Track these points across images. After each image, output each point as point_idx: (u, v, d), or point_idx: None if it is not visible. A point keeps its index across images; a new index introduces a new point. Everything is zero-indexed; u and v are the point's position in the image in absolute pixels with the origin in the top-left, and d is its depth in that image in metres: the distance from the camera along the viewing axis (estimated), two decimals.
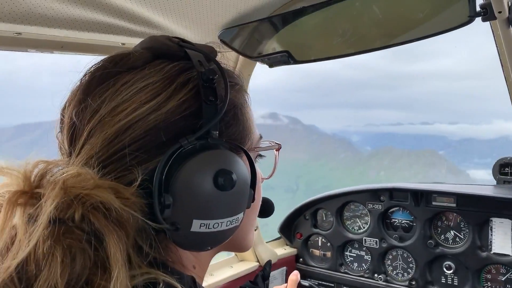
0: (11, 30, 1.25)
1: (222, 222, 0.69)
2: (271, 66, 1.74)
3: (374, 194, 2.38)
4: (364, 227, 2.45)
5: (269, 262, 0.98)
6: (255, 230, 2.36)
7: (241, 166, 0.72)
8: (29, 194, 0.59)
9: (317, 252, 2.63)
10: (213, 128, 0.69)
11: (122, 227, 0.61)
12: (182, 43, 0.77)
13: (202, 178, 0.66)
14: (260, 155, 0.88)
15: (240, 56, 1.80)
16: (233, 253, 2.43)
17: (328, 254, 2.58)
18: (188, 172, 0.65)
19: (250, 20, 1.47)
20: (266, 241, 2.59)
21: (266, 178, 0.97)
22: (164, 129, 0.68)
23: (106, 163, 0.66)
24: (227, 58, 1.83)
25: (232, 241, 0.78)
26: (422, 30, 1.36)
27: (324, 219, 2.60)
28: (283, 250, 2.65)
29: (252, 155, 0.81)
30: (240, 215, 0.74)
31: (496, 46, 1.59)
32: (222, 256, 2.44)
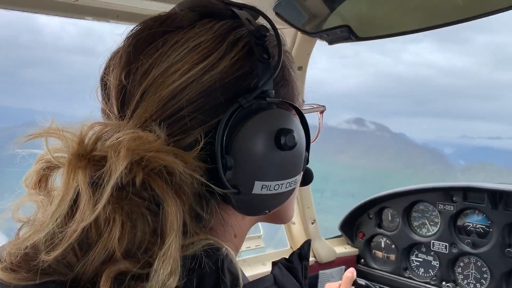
0: None
1: (282, 184, 0.68)
2: (330, 43, 1.63)
3: (446, 193, 2.16)
4: (433, 230, 2.24)
5: (308, 241, 0.88)
6: (312, 223, 2.26)
7: (299, 126, 0.70)
8: (87, 157, 0.57)
9: (380, 254, 2.45)
10: (268, 87, 0.67)
11: (183, 193, 0.59)
12: (226, 1, 0.74)
13: (263, 138, 0.64)
14: None
15: (298, 33, 1.72)
16: (288, 245, 2.34)
17: (392, 257, 2.39)
18: (249, 132, 0.64)
19: None
20: (325, 238, 2.47)
21: (312, 142, 0.93)
22: (220, 89, 0.65)
23: (162, 126, 0.63)
24: (285, 35, 1.77)
25: (277, 211, 0.76)
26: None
27: (390, 219, 2.42)
28: (343, 249, 2.50)
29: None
30: (298, 177, 0.72)
31: None
32: (276, 247, 2.36)
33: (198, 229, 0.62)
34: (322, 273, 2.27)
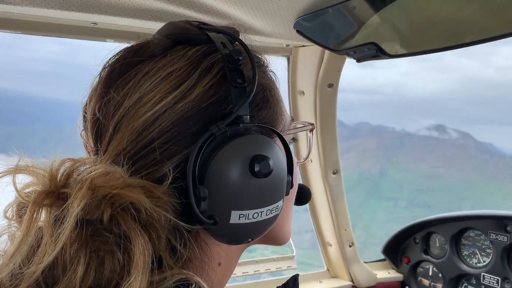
0: (87, 20, 1.33)
1: (262, 212, 0.66)
2: (358, 60, 1.54)
3: (499, 222, 1.95)
4: (484, 261, 2.03)
5: (294, 276, 0.83)
6: (350, 246, 2.15)
7: (277, 151, 0.67)
8: (55, 194, 0.57)
9: (426, 282, 2.27)
10: (243, 112, 0.65)
11: (152, 228, 0.58)
12: (202, 26, 0.72)
13: (237, 166, 0.62)
14: (294, 139, 0.82)
15: (326, 50, 1.64)
16: (325, 267, 2.25)
17: (439, 286, 2.21)
18: (222, 161, 0.62)
19: (326, 5, 1.31)
20: (366, 261, 2.34)
21: (302, 162, 0.92)
22: (193, 117, 0.64)
23: (135, 159, 0.64)
24: (312, 52, 1.70)
25: (269, 233, 0.74)
26: None
27: (437, 245, 2.23)
28: (387, 274, 2.35)
29: (285, 138, 0.74)
30: (280, 203, 0.69)
31: None
32: (312, 269, 2.28)
33: (173, 263, 0.61)
34: None
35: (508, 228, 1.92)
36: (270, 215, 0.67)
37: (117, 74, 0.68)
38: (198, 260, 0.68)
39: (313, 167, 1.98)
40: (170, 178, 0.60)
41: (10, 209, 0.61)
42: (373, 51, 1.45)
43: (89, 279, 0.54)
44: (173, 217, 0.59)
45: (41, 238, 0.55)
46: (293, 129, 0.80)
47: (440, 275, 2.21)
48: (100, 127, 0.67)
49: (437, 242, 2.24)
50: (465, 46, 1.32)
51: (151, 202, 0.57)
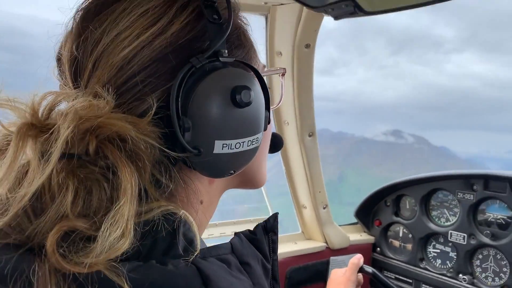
0: None
1: (243, 142, 0.68)
2: (336, 18, 1.55)
3: (466, 182, 2.04)
4: (451, 220, 2.13)
5: (275, 214, 0.85)
6: (324, 208, 2.20)
7: (256, 84, 0.70)
8: (39, 127, 0.57)
9: (396, 244, 2.36)
10: (221, 47, 0.67)
11: (138, 159, 0.58)
12: None
13: (219, 96, 0.65)
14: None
15: (304, 9, 1.65)
16: (300, 230, 2.30)
17: (409, 246, 2.30)
18: (204, 92, 0.64)
19: None
20: (340, 225, 2.40)
21: (275, 107, 0.94)
22: (172, 53, 0.65)
23: (116, 95, 0.63)
24: (290, 11, 1.71)
25: (246, 174, 0.78)
26: None
27: (408, 207, 2.32)
28: (359, 237, 2.43)
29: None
30: (260, 135, 0.72)
31: None
32: (288, 231, 2.32)
33: (158, 195, 0.62)
34: (333, 259, 2.21)
35: (475, 187, 2.01)
36: (252, 146, 0.70)
37: (93, 14, 0.68)
38: (181, 196, 0.69)
39: (290, 129, 2.00)
40: (154, 108, 0.61)
41: None
42: (350, 8, 1.46)
43: (78, 207, 0.55)
44: (160, 147, 0.60)
45: (27, 171, 0.55)
46: (267, 71, 0.83)
47: (410, 235, 2.29)
48: (78, 64, 0.67)
49: (407, 204, 2.32)
50: (437, 3, 1.36)
51: (137, 131, 0.58)
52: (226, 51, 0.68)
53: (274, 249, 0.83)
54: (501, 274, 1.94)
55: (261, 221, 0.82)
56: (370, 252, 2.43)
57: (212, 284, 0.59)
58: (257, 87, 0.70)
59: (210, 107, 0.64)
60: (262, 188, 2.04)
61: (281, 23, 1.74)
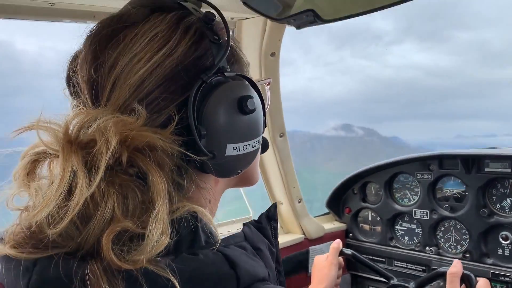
0: (45, 1, 1.36)
1: (249, 144, 0.79)
2: (298, 27, 1.71)
3: (423, 163, 2.27)
4: (414, 199, 2.35)
5: (274, 204, 0.99)
6: (299, 202, 2.36)
7: (255, 94, 0.81)
8: (75, 143, 0.66)
9: (366, 227, 2.56)
10: (223, 64, 0.78)
11: (165, 165, 0.68)
12: None
13: (228, 106, 0.74)
14: None
15: (268, 21, 1.80)
16: (279, 225, 2.44)
17: (378, 228, 2.50)
18: (215, 103, 0.74)
19: None
20: (314, 216, 2.57)
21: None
22: (182, 70, 0.74)
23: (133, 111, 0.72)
24: (254, 24, 1.86)
25: (245, 173, 0.86)
26: None
27: (373, 192, 2.52)
28: (332, 225, 2.61)
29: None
30: (260, 138, 0.83)
31: None
32: None
33: (180, 197, 0.71)
34: (312, 248, 2.37)
35: (431, 167, 2.24)
36: (255, 148, 0.81)
37: (107, 39, 0.76)
38: (196, 196, 0.79)
39: None
40: (176, 119, 0.71)
41: (19, 173, 0.70)
42: (310, 18, 1.62)
43: (119, 210, 0.64)
44: (181, 154, 0.70)
45: (73, 181, 0.64)
46: (258, 81, 0.92)
47: (378, 218, 2.50)
48: (97, 86, 0.76)
49: (373, 189, 2.53)
50: (387, 7, 1.55)
51: (164, 141, 0.68)
52: (228, 67, 0.79)
53: (275, 235, 0.97)
54: (462, 242, 2.18)
55: (258, 217, 0.94)
56: (343, 238, 2.61)
57: (239, 267, 0.69)
58: (256, 96, 0.81)
59: (221, 116, 0.74)
60: (241, 189, 2.17)
61: (247, 35, 1.88)
